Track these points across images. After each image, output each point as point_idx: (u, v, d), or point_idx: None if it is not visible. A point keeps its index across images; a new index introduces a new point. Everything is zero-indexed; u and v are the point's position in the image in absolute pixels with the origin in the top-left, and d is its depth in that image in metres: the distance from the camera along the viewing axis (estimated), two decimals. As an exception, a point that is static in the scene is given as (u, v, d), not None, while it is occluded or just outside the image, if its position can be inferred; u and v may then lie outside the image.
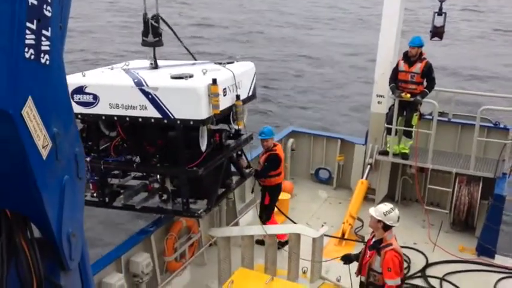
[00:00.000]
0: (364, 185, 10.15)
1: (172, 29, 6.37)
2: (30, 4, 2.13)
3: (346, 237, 9.05)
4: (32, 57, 2.17)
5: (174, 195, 6.49)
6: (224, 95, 6.07)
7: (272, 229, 7.60)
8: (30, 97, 2.17)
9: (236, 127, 6.75)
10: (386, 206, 5.65)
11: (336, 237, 8.95)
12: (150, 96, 5.80)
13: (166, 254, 7.44)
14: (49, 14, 2.26)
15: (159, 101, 5.80)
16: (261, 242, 8.03)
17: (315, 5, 55.04)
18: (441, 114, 10.19)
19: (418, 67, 9.38)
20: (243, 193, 9.74)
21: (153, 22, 6.06)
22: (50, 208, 2.40)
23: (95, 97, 5.99)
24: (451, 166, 9.56)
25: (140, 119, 5.94)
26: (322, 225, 8.16)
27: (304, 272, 7.78)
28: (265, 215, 8.51)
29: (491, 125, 10.07)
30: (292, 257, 7.42)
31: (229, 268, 7.36)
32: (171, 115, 5.80)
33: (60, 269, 2.53)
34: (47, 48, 2.26)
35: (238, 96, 6.38)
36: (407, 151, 9.90)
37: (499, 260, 8.56)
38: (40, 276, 2.38)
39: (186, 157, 6.01)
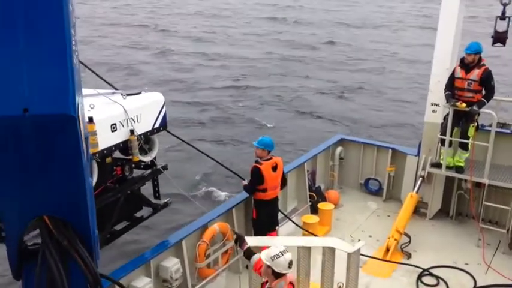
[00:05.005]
0: (414, 199, 9.59)
1: (87, 66, 6.17)
2: (71, 10, 2.36)
3: (390, 253, 8.59)
4: (75, 61, 2.38)
5: None
6: (113, 131, 5.97)
7: (305, 241, 7.32)
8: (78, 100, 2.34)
9: (145, 159, 6.66)
10: (277, 249, 4.72)
11: (373, 257, 8.51)
12: None
13: (198, 260, 7.39)
14: (74, 20, 2.47)
15: None
16: None
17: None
18: (502, 125, 9.43)
19: (475, 74, 8.70)
20: (284, 202, 9.51)
21: None
22: (90, 210, 2.55)
23: None
24: (511, 182, 8.80)
25: None
26: (359, 240, 7.76)
27: (339, 288, 7.43)
28: (254, 230, 8.17)
29: None
30: (325, 272, 7.09)
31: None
32: None
33: None
34: (77, 53, 2.48)
35: (132, 131, 6.21)
36: (462, 164, 9.22)
37: None
38: (97, 274, 2.60)
39: None
